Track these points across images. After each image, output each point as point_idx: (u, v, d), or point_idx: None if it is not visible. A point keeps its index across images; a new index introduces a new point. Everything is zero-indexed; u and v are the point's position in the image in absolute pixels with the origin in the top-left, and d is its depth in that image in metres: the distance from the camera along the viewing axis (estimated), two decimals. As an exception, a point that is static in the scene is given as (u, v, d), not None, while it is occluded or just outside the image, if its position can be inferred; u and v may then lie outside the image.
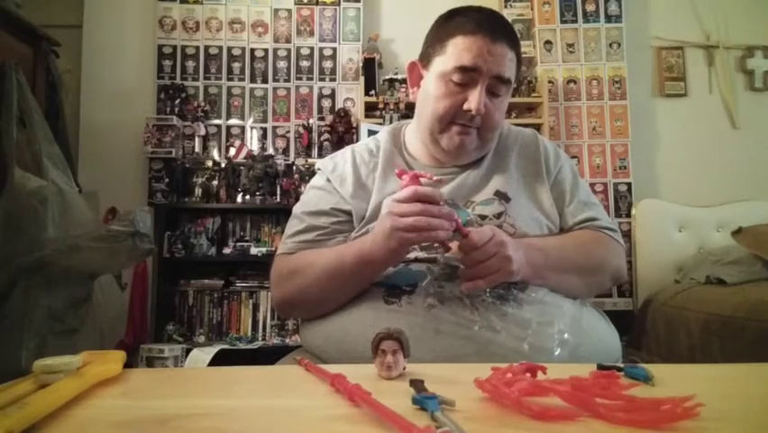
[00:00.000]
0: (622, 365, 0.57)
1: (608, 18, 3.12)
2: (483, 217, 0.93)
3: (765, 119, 3.19)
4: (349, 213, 0.98)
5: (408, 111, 2.92)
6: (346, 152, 1.09)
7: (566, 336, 0.82)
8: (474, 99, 0.92)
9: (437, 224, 0.78)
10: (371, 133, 2.71)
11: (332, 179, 1.03)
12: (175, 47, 3.05)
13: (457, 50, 0.93)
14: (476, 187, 0.98)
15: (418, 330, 0.79)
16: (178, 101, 2.95)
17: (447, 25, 0.97)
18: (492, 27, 0.93)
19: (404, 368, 0.58)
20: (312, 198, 1.05)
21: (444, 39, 0.95)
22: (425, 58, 1.00)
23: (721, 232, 2.88)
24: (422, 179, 0.83)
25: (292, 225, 1.02)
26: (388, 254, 0.83)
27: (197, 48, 3.06)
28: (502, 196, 0.96)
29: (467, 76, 0.92)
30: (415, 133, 1.05)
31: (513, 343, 0.79)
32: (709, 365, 0.68)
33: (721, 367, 0.66)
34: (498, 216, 0.94)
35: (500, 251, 0.81)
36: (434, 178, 0.86)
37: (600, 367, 0.56)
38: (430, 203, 0.79)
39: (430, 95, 0.97)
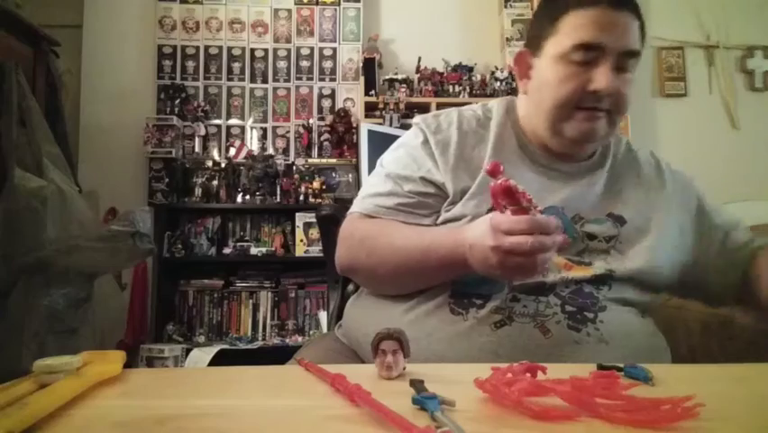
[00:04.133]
0: (622, 365, 0.57)
1: (608, 18, 3.12)
2: (591, 238, 0.83)
3: (765, 119, 3.19)
4: (440, 186, 0.85)
5: (408, 111, 2.92)
6: (451, 113, 0.93)
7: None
8: (603, 77, 0.80)
9: (546, 259, 0.67)
10: (371, 133, 2.72)
11: (432, 141, 0.88)
12: (175, 47, 3.05)
13: (574, 26, 0.81)
14: (587, 201, 0.87)
15: (477, 352, 0.74)
16: (178, 101, 2.95)
17: (557, 3, 0.85)
18: None
19: (404, 368, 0.58)
20: (403, 157, 0.91)
21: (556, 17, 0.83)
22: (534, 43, 0.87)
23: (721, 232, 2.88)
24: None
25: (374, 182, 0.91)
26: (485, 273, 0.73)
27: (197, 48, 3.07)
28: (616, 218, 0.85)
29: (589, 54, 0.81)
30: (528, 116, 0.92)
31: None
32: (709, 365, 0.68)
33: (721, 367, 0.66)
34: (609, 239, 0.83)
35: None
36: (535, 204, 0.68)
37: (600, 367, 0.56)
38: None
39: (546, 81, 0.84)
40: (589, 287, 0.79)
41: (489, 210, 0.77)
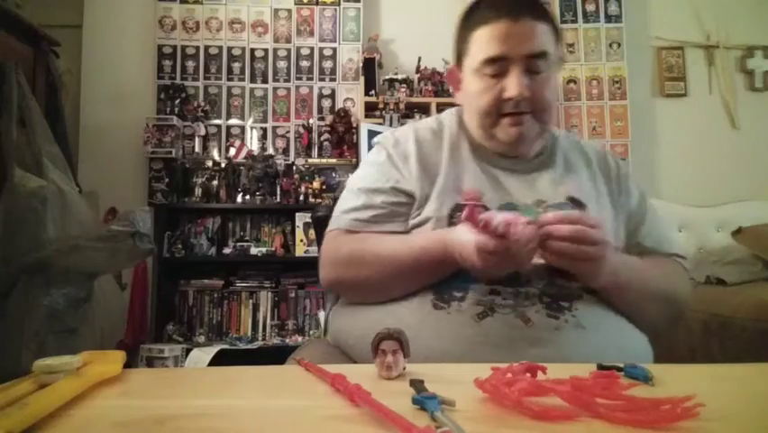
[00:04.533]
0: (622, 365, 0.57)
1: (608, 18, 3.12)
2: None
3: (765, 119, 3.19)
4: (410, 194, 0.91)
5: (408, 111, 2.92)
6: (407, 129, 1.01)
7: (613, 356, 0.75)
8: (513, 85, 0.87)
9: (531, 257, 0.75)
10: (372, 132, 2.72)
11: (393, 154, 0.96)
12: (175, 47, 3.05)
13: (480, 43, 0.89)
14: (547, 190, 0.92)
15: (464, 343, 0.76)
16: (178, 101, 2.95)
17: (467, 22, 0.93)
18: (510, 6, 0.88)
19: (404, 368, 0.58)
20: (370, 173, 0.97)
21: (466, 35, 0.92)
22: (458, 60, 0.97)
23: (721, 232, 2.88)
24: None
25: (347, 199, 0.96)
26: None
27: (197, 48, 3.06)
28: (576, 202, 0.90)
29: (498, 65, 0.88)
30: (467, 123, 1.00)
31: (562, 360, 0.73)
32: (709, 365, 0.68)
33: (721, 367, 0.66)
34: None
35: (600, 247, 0.76)
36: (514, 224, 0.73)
37: (600, 367, 0.56)
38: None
39: (470, 94, 0.93)
40: (560, 279, 0.82)
41: (452, 211, 0.87)
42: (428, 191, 0.90)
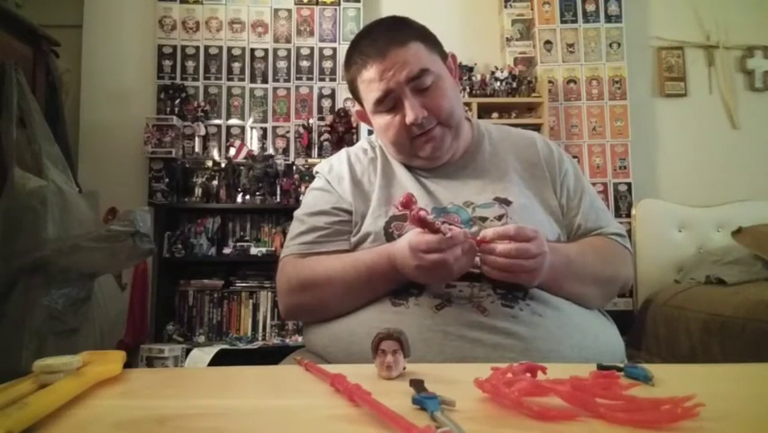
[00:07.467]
0: (622, 365, 0.57)
1: (608, 18, 3.12)
2: (483, 219, 0.91)
3: (765, 119, 3.19)
4: (350, 211, 0.98)
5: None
6: (341, 153, 1.10)
7: (574, 338, 0.81)
8: (409, 111, 0.92)
9: (462, 265, 0.79)
10: (371, 133, 2.72)
11: (329, 179, 1.03)
12: (175, 47, 3.05)
13: (364, 89, 0.96)
14: (474, 192, 0.96)
15: (426, 332, 0.79)
16: (178, 101, 2.95)
17: (349, 71, 1.00)
18: (375, 44, 0.94)
19: (404, 368, 0.58)
20: (311, 199, 1.05)
21: (354, 85, 1.00)
22: (359, 104, 1.04)
23: (721, 232, 2.88)
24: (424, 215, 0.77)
25: (294, 228, 1.02)
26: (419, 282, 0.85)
27: (197, 48, 3.06)
28: (502, 201, 0.94)
29: (388, 101, 0.94)
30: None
31: (522, 346, 0.78)
32: (709, 365, 0.68)
33: (721, 367, 0.66)
34: (500, 217, 0.91)
35: (538, 259, 0.79)
36: (446, 227, 0.78)
37: (600, 367, 0.56)
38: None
39: (378, 129, 1.00)
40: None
41: (387, 223, 0.92)
42: (364, 208, 0.97)
